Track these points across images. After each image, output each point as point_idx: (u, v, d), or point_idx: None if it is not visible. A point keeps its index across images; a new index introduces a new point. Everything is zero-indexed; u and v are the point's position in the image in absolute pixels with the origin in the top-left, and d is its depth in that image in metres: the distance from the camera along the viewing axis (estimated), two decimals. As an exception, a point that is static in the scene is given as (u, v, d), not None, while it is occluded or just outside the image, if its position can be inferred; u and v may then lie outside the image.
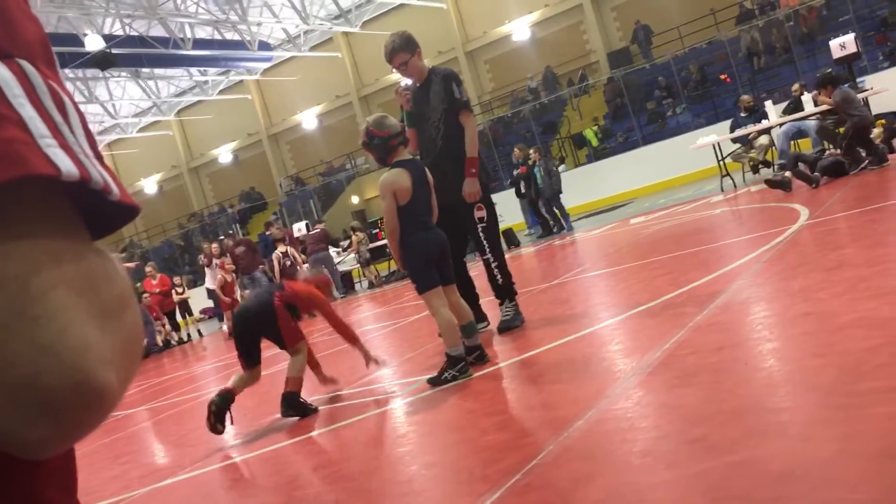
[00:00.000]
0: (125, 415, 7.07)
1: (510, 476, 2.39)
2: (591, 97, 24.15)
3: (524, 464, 2.46)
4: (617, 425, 2.65)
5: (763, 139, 12.44)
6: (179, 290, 16.39)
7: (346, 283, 15.84)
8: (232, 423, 4.42)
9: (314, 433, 3.94)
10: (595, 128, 21.78)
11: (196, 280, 22.23)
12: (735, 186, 11.98)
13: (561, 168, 14.45)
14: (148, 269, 15.92)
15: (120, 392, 0.49)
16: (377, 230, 15.56)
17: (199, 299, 18.52)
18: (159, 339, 15.10)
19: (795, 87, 13.25)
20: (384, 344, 6.70)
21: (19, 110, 0.46)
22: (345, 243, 15.94)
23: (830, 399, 2.33)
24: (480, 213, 5.24)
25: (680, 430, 2.44)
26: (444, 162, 5.13)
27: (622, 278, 6.32)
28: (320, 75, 30.17)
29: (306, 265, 13.62)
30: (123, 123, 33.14)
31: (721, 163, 12.21)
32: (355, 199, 26.92)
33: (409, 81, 5.34)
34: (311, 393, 4.71)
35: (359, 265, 16.01)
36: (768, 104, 12.35)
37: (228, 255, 14.65)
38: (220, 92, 32.05)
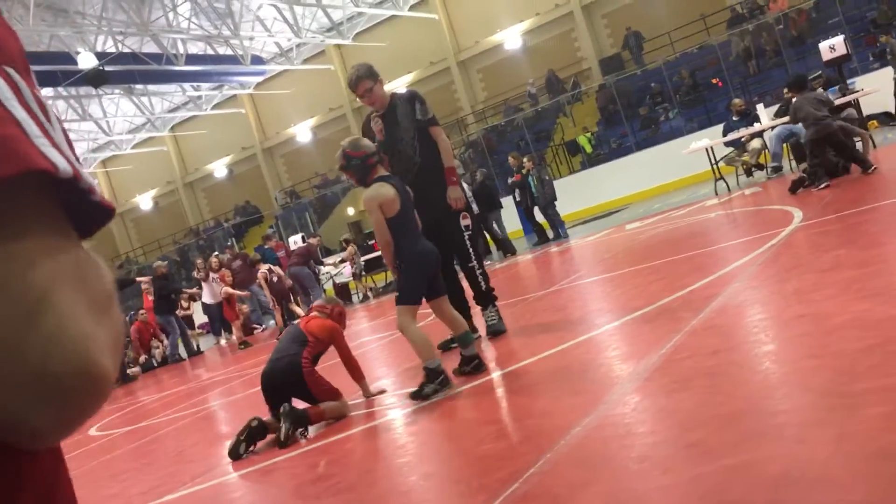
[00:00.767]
0: (124, 432, 7.05)
1: (508, 485, 2.40)
2: (583, 104, 24.22)
3: (522, 472, 2.47)
4: (614, 431, 2.66)
5: (755, 142, 12.48)
6: (185, 304, 16.34)
7: (343, 294, 15.84)
8: (253, 451, 4.21)
9: (313, 446, 3.93)
10: (588, 134, 21.84)
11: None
12: (729, 190, 12.01)
13: (546, 178, 14.44)
14: (144, 285, 15.87)
15: (112, 382, 0.51)
16: (373, 241, 15.56)
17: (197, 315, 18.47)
18: (157, 355, 15.02)
19: (786, 90, 13.30)
20: (381, 355, 6.70)
21: (13, 112, 0.48)
22: (336, 257, 15.96)
23: (826, 400, 2.34)
24: (466, 222, 5.40)
25: (677, 434, 2.44)
26: (426, 177, 5.28)
27: (618, 284, 6.33)
28: (313, 88, 30.23)
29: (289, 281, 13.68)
30: (117, 140, 33.16)
31: (714, 167, 12.26)
32: (351, 211, 26.93)
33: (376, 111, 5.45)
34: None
35: (351, 278, 16.01)
36: (760, 107, 12.40)
37: (225, 269, 14.68)
38: (214, 107, 32.09)
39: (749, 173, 12.77)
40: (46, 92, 26.19)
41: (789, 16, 19.86)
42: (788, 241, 5.53)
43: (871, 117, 13.98)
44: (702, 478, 2.03)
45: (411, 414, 3.93)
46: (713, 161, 12.22)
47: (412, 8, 26.56)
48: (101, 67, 19.87)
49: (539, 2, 26.37)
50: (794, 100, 9.15)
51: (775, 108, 13.20)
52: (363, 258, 15.71)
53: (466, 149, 24.51)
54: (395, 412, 4.14)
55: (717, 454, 2.14)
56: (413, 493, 2.79)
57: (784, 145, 11.96)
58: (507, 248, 14.29)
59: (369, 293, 15.37)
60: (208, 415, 6.56)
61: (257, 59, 26.29)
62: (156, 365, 14.87)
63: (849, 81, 12.71)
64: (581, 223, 16.66)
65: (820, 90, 9.47)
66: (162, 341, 15.09)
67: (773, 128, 11.81)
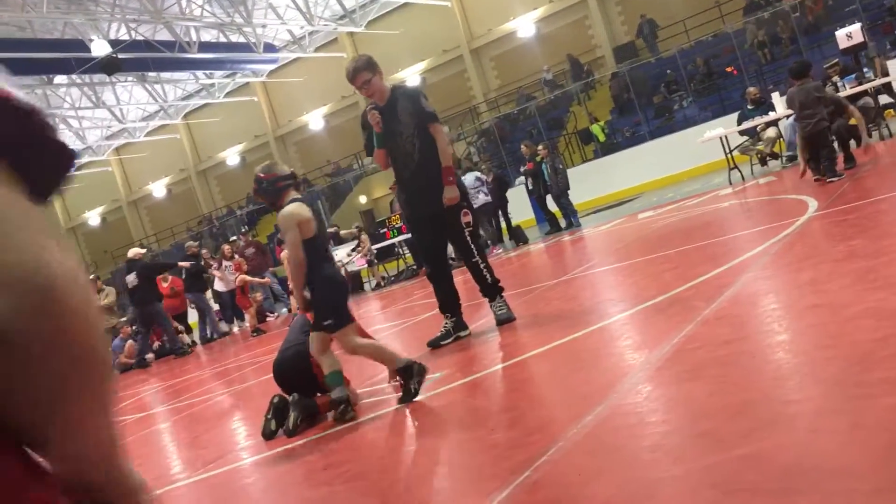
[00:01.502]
0: (137, 418, 7.11)
1: (519, 473, 2.40)
2: (597, 92, 24.09)
3: (533, 461, 2.47)
4: (626, 420, 2.65)
5: (770, 131, 12.38)
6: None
7: (355, 283, 15.88)
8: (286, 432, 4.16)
9: (324, 433, 3.95)
10: (602, 123, 21.73)
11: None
12: (743, 179, 11.93)
13: (559, 167, 14.40)
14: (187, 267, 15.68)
15: (76, 306, 0.55)
16: (385, 230, 15.57)
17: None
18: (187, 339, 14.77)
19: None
20: (394, 343, 6.71)
21: None
22: (348, 246, 15.94)
23: (839, 390, 2.33)
24: (467, 219, 5.39)
25: (689, 424, 2.44)
26: (424, 173, 5.28)
27: (630, 273, 6.31)
28: (326, 76, 30.21)
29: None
30: (131, 128, 33.28)
31: (729, 156, 12.17)
32: (363, 199, 26.96)
33: (375, 103, 5.41)
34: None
35: (365, 265, 16.02)
36: (775, 96, 12.29)
37: (239, 257, 14.72)
38: (227, 94, 32.15)
39: (764, 162, 12.68)
40: (60, 79, 26.34)
41: (805, 3, 19.66)
42: (803, 231, 5.50)
43: (887, 106, 13.84)
44: (714, 467, 2.03)
45: (421, 403, 3.94)
46: (727, 150, 12.14)
47: (425, -5, 26.50)
48: (114, 55, 19.93)
49: (553, -11, 26.24)
50: (790, 89, 8.93)
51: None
52: (375, 246, 15.73)
53: (479, 137, 24.44)
54: (405, 399, 4.14)
55: (729, 443, 2.14)
56: (424, 480, 2.80)
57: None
58: (519, 236, 14.27)
59: (382, 281, 15.40)
60: (222, 401, 6.60)
61: (270, 47, 26.29)
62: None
63: (865, 70, 12.57)
64: (593, 212, 16.60)
65: (818, 83, 8.83)
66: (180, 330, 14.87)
67: (788, 116, 11.71)
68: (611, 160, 19.64)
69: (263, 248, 16.38)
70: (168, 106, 32.10)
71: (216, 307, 15.93)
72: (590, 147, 21.57)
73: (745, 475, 1.92)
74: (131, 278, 13.29)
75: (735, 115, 13.70)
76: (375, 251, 15.73)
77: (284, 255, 13.24)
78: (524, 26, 26.81)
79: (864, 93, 11.19)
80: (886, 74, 12.17)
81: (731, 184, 11.83)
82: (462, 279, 6.83)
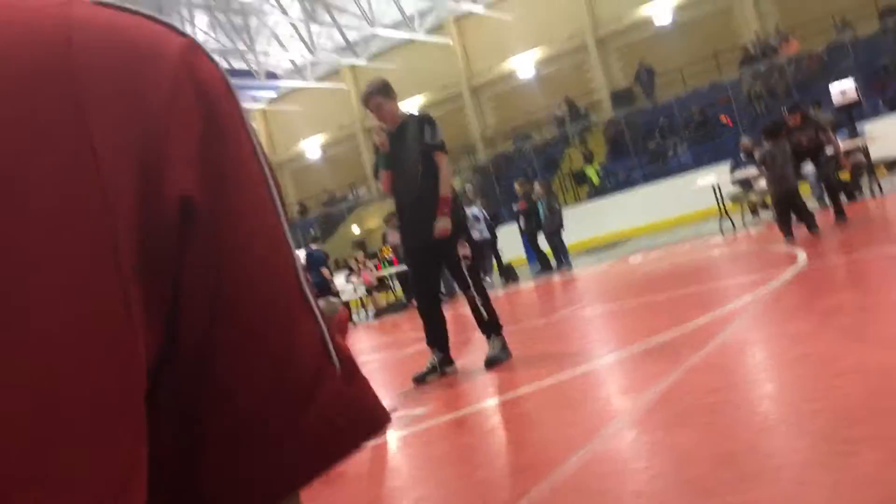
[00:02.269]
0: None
1: (502, 513, 2.38)
2: (592, 135, 24.31)
3: (516, 501, 2.45)
4: (610, 464, 2.64)
5: (763, 182, 12.49)
6: None
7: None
8: None
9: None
10: (596, 165, 21.90)
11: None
12: (734, 228, 12.01)
13: (556, 206, 14.47)
14: None
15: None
16: (376, 261, 15.55)
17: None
18: None
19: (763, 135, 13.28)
20: (379, 377, 6.67)
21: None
22: (341, 274, 15.85)
23: (824, 445, 2.32)
24: (465, 251, 5.39)
25: (674, 470, 2.43)
26: (426, 200, 5.24)
27: (619, 316, 6.32)
28: (325, 107, 30.40)
29: None
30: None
31: (720, 205, 12.26)
32: (356, 229, 26.98)
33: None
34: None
35: (358, 294, 15.93)
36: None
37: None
38: (226, 120, 32.24)
39: (755, 212, 12.78)
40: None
41: (801, 58, 19.98)
42: (792, 282, 5.53)
43: (880, 163, 14.00)
44: (697, 516, 2.02)
45: (405, 437, 3.91)
46: (720, 199, 12.23)
47: (428, 32, 26.77)
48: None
49: (554, 33, 26.55)
50: (759, 149, 8.81)
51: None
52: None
53: (474, 174, 24.58)
54: (389, 434, 4.11)
55: (714, 492, 2.13)
56: (405, 516, 2.77)
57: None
58: (509, 274, 14.27)
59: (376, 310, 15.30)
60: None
61: (271, 75, 26.50)
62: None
63: (858, 127, 12.74)
64: (585, 253, 16.65)
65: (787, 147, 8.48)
66: None
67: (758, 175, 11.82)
68: (604, 202, 19.76)
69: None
70: (166, 129, 32.18)
71: None
72: (584, 188, 21.71)
73: (728, 526, 1.90)
74: None
75: (728, 163, 13.82)
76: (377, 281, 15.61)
77: (325, 271, 13.16)
78: (524, 67, 27.11)
79: (856, 149, 11.33)
80: None
81: (722, 232, 11.91)
82: (452, 314, 6.82)
